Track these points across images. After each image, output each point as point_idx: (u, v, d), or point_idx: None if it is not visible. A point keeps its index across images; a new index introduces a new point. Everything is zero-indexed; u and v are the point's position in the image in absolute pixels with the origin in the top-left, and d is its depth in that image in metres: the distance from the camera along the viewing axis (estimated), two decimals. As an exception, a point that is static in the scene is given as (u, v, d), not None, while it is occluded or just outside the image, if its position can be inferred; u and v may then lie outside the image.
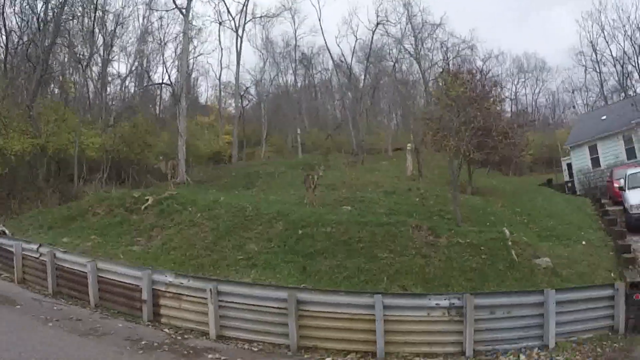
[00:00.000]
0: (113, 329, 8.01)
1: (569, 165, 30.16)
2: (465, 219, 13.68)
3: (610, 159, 25.72)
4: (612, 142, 25.76)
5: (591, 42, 45.92)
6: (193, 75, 41.83)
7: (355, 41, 41.88)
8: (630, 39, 41.95)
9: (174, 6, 29.77)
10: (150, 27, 35.40)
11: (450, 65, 27.70)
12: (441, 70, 28.04)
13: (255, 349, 7.74)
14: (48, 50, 22.06)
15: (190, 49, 33.15)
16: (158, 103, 40.64)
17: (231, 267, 10.16)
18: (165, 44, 35.88)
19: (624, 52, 42.38)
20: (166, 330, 8.29)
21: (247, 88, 43.46)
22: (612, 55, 44.45)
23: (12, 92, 20.32)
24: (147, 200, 14.06)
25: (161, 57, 35.44)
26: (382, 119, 52.08)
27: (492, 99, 21.62)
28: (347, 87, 43.89)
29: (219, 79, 42.19)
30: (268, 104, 44.60)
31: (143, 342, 7.45)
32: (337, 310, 7.77)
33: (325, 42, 43.72)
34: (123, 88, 34.94)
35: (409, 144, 28.43)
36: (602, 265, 11.05)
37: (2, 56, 23.83)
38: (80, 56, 27.19)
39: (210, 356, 7.13)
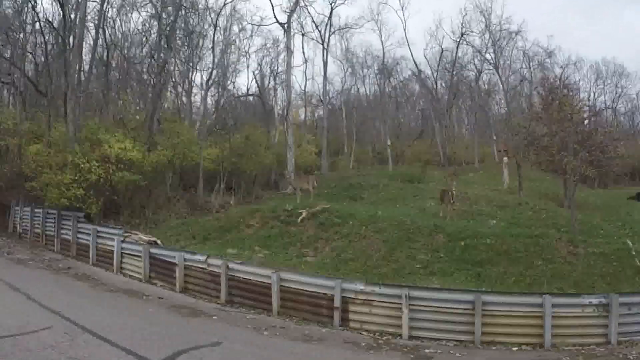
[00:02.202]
0: (318, 334, 11.20)
1: (669, 178, 33.93)
2: (574, 232, 17.77)
3: None
4: None
5: None
6: (271, 84, 48.58)
7: (441, 53, 49.16)
8: None
9: (275, 20, 35.11)
10: (232, 37, 40.81)
11: (552, 80, 32.43)
12: (541, 85, 32.97)
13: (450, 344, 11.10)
14: (164, 64, 26.71)
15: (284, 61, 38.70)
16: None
17: (412, 275, 13.75)
18: (249, 54, 43.12)
19: None
20: (359, 333, 11.55)
21: (330, 99, 50.40)
22: None
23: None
24: (302, 213, 17.61)
25: (244, 68, 41.95)
26: (462, 129, 59.93)
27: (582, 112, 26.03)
28: (429, 98, 50.91)
29: (304, 90, 49.98)
30: (349, 113, 51.84)
31: (362, 344, 10.58)
32: (513, 309, 11.15)
33: (411, 53, 50.13)
34: (206, 99, 39.40)
35: (505, 158, 33.64)
36: None
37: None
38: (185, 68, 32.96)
39: (427, 351, 10.48)
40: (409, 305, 11.59)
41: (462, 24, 46.95)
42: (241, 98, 42.39)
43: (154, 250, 16.05)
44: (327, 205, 18.74)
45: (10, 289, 13.10)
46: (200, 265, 14.46)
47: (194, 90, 39.17)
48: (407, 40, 48.49)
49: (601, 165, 24.64)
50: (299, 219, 17.65)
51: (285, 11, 35.66)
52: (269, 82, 47.69)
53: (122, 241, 17.10)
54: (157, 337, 9.63)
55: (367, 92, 56.35)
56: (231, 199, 24.12)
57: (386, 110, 52.74)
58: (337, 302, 12.18)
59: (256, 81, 43.99)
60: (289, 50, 34.77)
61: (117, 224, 19.59)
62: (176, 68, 34.38)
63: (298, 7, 37.26)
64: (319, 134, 44.49)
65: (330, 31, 43.68)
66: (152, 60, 28.14)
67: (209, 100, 37.19)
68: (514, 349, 10.89)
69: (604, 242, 15.45)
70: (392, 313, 11.84)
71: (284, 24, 34.49)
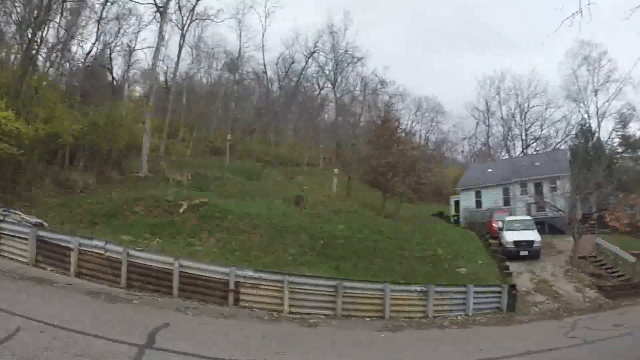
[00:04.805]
0: (226, 312, 13.80)
1: (457, 202, 43.35)
2: (398, 239, 23.38)
3: (490, 203, 38.86)
4: (493, 191, 39.09)
5: (486, 101, 66.76)
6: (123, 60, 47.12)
7: (291, 63, 55.87)
8: (520, 106, 62.20)
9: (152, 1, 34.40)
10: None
11: (381, 112, 40.76)
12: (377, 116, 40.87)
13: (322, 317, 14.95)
14: (40, 24, 24.95)
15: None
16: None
17: (287, 265, 17.39)
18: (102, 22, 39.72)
19: (512, 116, 62.44)
20: (252, 310, 14.73)
21: (177, 83, 49.92)
22: (501, 116, 64.92)
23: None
24: (182, 205, 19.76)
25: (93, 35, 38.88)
26: (295, 133, 65.53)
27: (410, 145, 33.44)
28: (267, 98, 56.26)
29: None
30: (190, 100, 53.55)
31: (265, 318, 13.68)
32: (364, 292, 15.96)
33: (263, 57, 56.24)
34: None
35: (335, 169, 39.82)
36: (492, 275, 21.45)
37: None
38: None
39: (311, 321, 14.45)
40: (289, 288, 15.52)
41: (315, 44, 54.41)
42: (88, 68, 40.06)
43: (43, 234, 16.11)
44: (205, 200, 21.44)
45: None
46: (97, 251, 15.43)
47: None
48: (262, 45, 53.62)
49: (418, 188, 31.44)
50: (181, 210, 19.97)
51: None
52: (127, 60, 47.46)
53: (1, 220, 16.65)
54: (115, 323, 10.38)
55: (210, 83, 60.07)
56: (90, 178, 24.72)
57: (226, 103, 57.36)
58: (231, 286, 15.49)
59: (110, 57, 43.37)
60: (160, 36, 35.27)
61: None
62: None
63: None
64: (163, 116, 44.95)
65: (191, 18, 45.40)
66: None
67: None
68: (367, 319, 15.65)
69: (420, 248, 21.51)
70: (276, 294, 15.67)
71: (161, 7, 35.04)
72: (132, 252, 15.56)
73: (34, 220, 17.78)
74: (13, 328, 8.25)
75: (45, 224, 17.76)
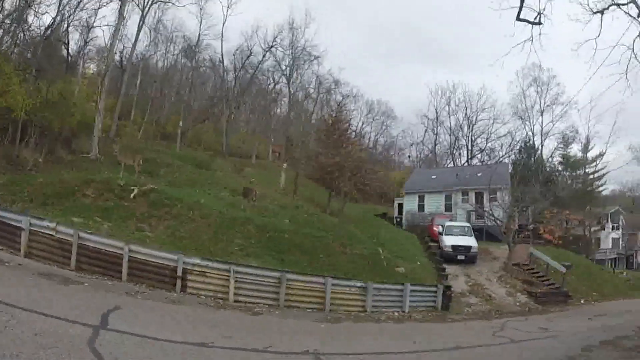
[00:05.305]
0: (173, 298, 14.34)
1: (400, 205, 45.05)
2: (341, 236, 24.28)
3: (432, 208, 40.85)
4: (436, 197, 41.20)
5: (436, 110, 69.78)
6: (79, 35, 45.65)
7: (249, 55, 55.63)
8: (468, 118, 65.04)
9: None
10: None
11: (332, 111, 42.08)
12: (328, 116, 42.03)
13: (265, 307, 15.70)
14: None
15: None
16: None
17: (233, 254, 17.83)
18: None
19: (460, 127, 65.57)
20: (199, 297, 15.30)
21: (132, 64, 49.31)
22: (450, 126, 67.87)
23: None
24: (133, 190, 19.87)
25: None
26: (245, 124, 66.89)
27: (358, 147, 34.74)
28: (220, 87, 56.29)
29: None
30: (144, 82, 52.94)
31: (211, 305, 14.33)
32: (306, 285, 16.80)
33: (221, 46, 54.80)
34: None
35: (284, 164, 40.75)
36: (429, 276, 22.79)
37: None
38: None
39: (256, 309, 15.17)
40: (235, 277, 16.19)
41: (274, 38, 54.54)
42: (45, 40, 39.25)
43: None
44: (155, 186, 21.72)
45: None
46: (48, 232, 15.53)
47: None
48: (222, 35, 53.64)
49: (363, 189, 32.72)
50: (132, 195, 20.12)
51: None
52: (84, 36, 46.25)
53: (-57, 196, 16.56)
54: (69, 304, 10.67)
55: (166, 67, 59.39)
56: (39, 156, 24.40)
57: (180, 89, 57.89)
58: (179, 272, 15.92)
59: (67, 32, 41.94)
60: (121, 16, 34.79)
61: None
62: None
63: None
64: (116, 97, 44.72)
65: (152, 0, 45.06)
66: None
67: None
68: (308, 310, 16.59)
69: (362, 247, 22.65)
70: (222, 282, 16.25)
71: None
72: (82, 234, 15.71)
73: None
74: (-31, 307, 8.39)
75: (-6, 202, 17.45)
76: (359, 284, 18.09)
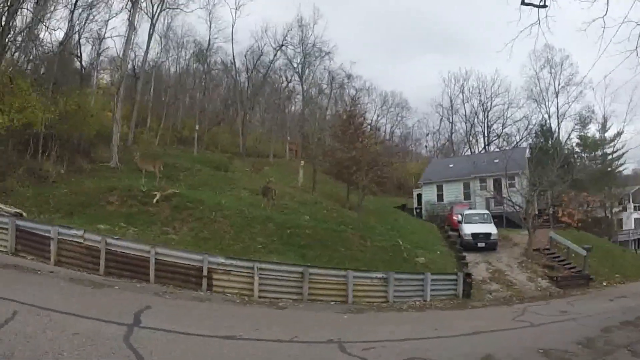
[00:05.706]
0: (201, 297, 14.86)
1: (419, 195, 45.22)
2: (361, 229, 24.74)
3: (451, 197, 41.01)
4: (454, 186, 41.39)
5: (451, 98, 69.87)
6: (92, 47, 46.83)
7: (260, 56, 56.55)
8: (482, 105, 64.65)
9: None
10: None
11: (347, 106, 42.44)
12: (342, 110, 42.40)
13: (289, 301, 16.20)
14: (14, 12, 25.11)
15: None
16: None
17: (256, 252, 18.42)
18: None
19: (475, 114, 65.14)
20: (224, 295, 15.80)
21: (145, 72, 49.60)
22: (465, 113, 67.43)
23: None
24: (156, 195, 20.59)
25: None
26: (261, 124, 67.63)
27: (374, 140, 34.98)
28: (234, 89, 57.27)
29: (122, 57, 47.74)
30: (158, 89, 53.71)
31: (237, 301, 15.00)
32: (328, 278, 17.23)
33: (232, 48, 57.43)
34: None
35: (302, 161, 41.35)
36: (450, 265, 23.17)
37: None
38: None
39: (280, 304, 15.60)
40: (259, 274, 16.65)
41: (284, 37, 55.58)
42: (59, 54, 40.15)
43: (21, 223, 16.63)
44: (177, 190, 22.36)
45: None
46: (76, 240, 16.11)
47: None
48: (232, 37, 54.47)
49: (381, 182, 32.92)
50: (155, 200, 20.81)
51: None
52: (96, 47, 47.37)
53: (-20, 211, 17.25)
54: (102, 305, 11.18)
55: (178, 72, 60.25)
56: (61, 167, 25.10)
57: (194, 94, 58.48)
58: (205, 272, 16.43)
59: (79, 44, 42.44)
60: (132, 26, 35.25)
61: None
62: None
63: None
64: (131, 105, 45.35)
65: (161, 7, 45.73)
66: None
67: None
68: (331, 302, 16.97)
69: (382, 239, 22.97)
70: (246, 280, 16.73)
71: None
72: (109, 240, 16.30)
73: (13, 210, 18.17)
74: (10, 312, 8.90)
75: (24, 214, 18.17)
76: (380, 275, 18.48)
